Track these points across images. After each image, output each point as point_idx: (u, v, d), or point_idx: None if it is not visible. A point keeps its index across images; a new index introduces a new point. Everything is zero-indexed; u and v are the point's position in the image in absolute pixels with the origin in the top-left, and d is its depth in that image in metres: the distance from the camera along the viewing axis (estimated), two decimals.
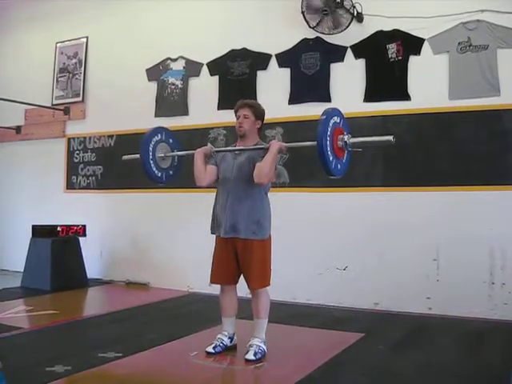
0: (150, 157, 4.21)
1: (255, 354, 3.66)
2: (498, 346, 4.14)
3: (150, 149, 4.21)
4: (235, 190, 3.75)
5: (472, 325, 4.75)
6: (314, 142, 3.46)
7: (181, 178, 5.30)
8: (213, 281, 3.91)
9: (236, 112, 3.89)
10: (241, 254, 3.75)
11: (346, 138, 3.56)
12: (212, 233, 3.90)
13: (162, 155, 4.27)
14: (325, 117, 3.48)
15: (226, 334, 3.89)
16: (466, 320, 4.86)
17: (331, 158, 3.46)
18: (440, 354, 3.87)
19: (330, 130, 3.46)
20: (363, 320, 5.00)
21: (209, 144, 4.08)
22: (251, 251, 3.71)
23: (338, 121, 3.59)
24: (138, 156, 4.25)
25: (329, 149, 3.44)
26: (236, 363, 3.67)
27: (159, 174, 4.29)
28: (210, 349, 3.80)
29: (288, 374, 3.43)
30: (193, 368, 3.56)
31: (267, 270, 3.80)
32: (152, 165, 4.22)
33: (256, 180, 3.62)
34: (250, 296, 3.86)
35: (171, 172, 4.37)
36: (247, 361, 3.63)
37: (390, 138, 3.55)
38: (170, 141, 4.36)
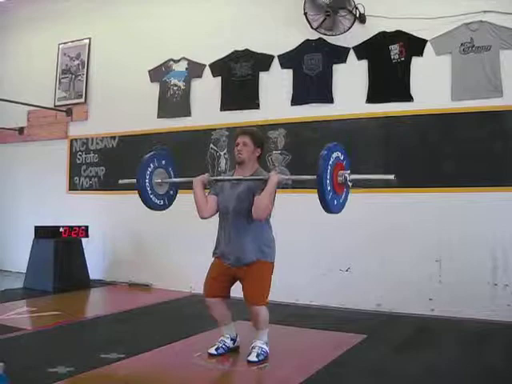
0: (149, 192, 4.10)
1: (258, 356, 3.66)
2: (500, 348, 4.13)
3: (147, 185, 4.08)
4: (236, 223, 3.72)
5: (474, 326, 4.74)
6: (314, 176, 3.40)
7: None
8: (206, 295, 3.86)
9: (235, 140, 3.84)
10: (242, 276, 3.74)
11: (346, 174, 3.49)
12: (214, 256, 3.89)
13: (159, 181, 4.16)
14: (326, 152, 3.42)
15: (228, 336, 3.89)
16: (469, 321, 4.86)
17: (330, 194, 3.41)
18: (442, 356, 3.87)
19: (330, 165, 3.40)
20: (366, 321, 5.00)
21: (206, 174, 3.98)
22: (252, 269, 3.69)
23: (340, 156, 3.53)
24: (134, 181, 4.12)
25: (329, 185, 3.38)
26: (239, 365, 3.67)
27: (161, 203, 4.20)
28: (212, 350, 3.80)
29: (290, 375, 3.43)
30: (196, 369, 3.55)
31: (265, 288, 3.75)
32: (153, 198, 4.13)
33: (254, 216, 3.60)
34: None
35: (172, 192, 4.27)
36: (250, 362, 3.63)
37: (392, 176, 3.51)
38: (163, 162, 4.23)
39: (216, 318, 3.89)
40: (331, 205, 3.45)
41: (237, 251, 3.71)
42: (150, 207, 4.16)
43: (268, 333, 3.81)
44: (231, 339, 3.89)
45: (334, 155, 3.47)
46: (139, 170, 4.09)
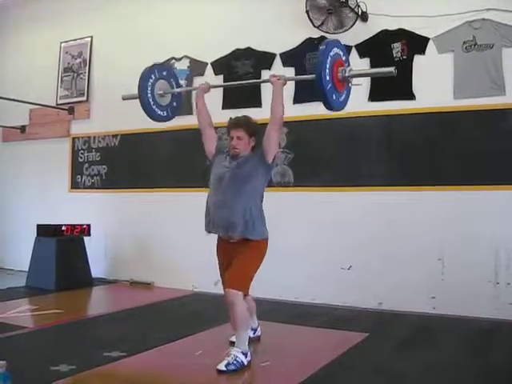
0: (152, 102, 4.19)
1: (227, 365, 3.42)
2: (503, 346, 4.12)
3: (149, 96, 4.17)
4: (229, 187, 3.63)
5: (477, 324, 4.73)
6: (314, 76, 3.47)
7: (186, 177, 5.32)
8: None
9: (229, 131, 3.81)
10: (235, 255, 3.63)
11: (346, 69, 3.53)
12: (207, 231, 3.77)
13: (161, 92, 4.25)
14: (324, 47, 3.46)
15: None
16: (471, 320, 4.85)
17: (331, 91, 3.45)
18: (445, 354, 3.86)
19: (329, 61, 3.43)
20: (367, 319, 5.00)
21: (205, 81, 4.14)
22: (242, 249, 3.59)
23: (340, 52, 3.56)
24: (136, 94, 4.23)
25: (328, 80, 3.41)
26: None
27: (164, 114, 4.31)
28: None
29: (292, 373, 3.42)
30: (197, 367, 3.55)
31: (247, 273, 3.61)
32: (156, 109, 4.23)
33: (273, 118, 3.65)
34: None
35: (175, 104, 4.39)
36: (219, 371, 3.40)
37: (392, 69, 3.53)
38: (165, 73, 4.34)
39: None
40: (334, 103, 3.50)
41: (229, 214, 3.57)
42: (153, 119, 4.26)
43: (249, 342, 3.66)
44: (252, 329, 3.87)
45: (334, 51, 3.50)
46: (140, 81, 4.19)
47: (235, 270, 3.57)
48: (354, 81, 3.70)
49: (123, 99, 4.57)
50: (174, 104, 4.37)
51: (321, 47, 3.48)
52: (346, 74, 3.54)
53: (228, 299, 3.54)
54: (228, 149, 3.85)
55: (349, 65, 3.62)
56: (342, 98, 3.64)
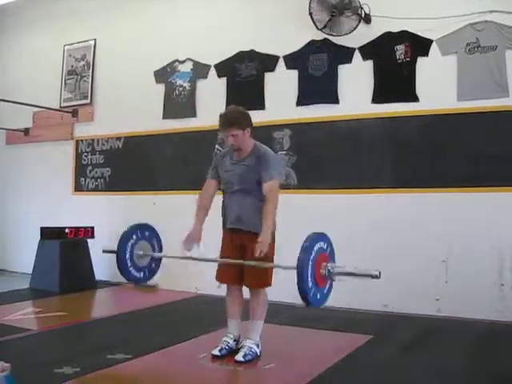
0: (129, 264, 3.95)
1: (245, 356, 3.64)
2: (507, 348, 4.10)
3: (128, 257, 3.94)
4: (239, 193, 3.78)
5: (481, 326, 4.72)
6: (294, 267, 3.27)
7: (189, 180, 5.26)
8: (218, 279, 3.93)
9: (222, 130, 3.85)
10: (247, 252, 3.70)
11: (330, 266, 3.35)
12: (223, 226, 3.95)
13: (141, 253, 4.01)
14: (308, 243, 3.29)
15: (232, 336, 3.86)
16: (475, 322, 4.84)
17: (310, 287, 3.26)
18: (449, 356, 3.85)
19: (312, 256, 3.26)
20: (372, 322, 4.99)
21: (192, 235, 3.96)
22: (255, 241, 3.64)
23: (324, 247, 3.40)
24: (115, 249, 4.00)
25: (309, 277, 3.23)
26: (244, 365, 3.64)
27: (141, 275, 4.05)
28: (215, 352, 3.76)
29: (297, 376, 3.42)
30: (201, 370, 3.55)
31: (269, 269, 3.78)
32: (132, 271, 3.98)
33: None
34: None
35: (153, 265, 4.14)
36: (236, 362, 3.61)
37: (377, 272, 3.36)
38: (147, 234, 4.11)
39: (227, 306, 3.90)
40: (313, 299, 3.29)
41: (238, 210, 3.77)
42: (127, 279, 4.03)
43: (261, 334, 3.79)
44: (234, 340, 3.86)
45: (318, 246, 3.33)
46: (120, 241, 3.95)
47: (255, 270, 3.68)
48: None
49: (103, 252, 4.38)
50: (153, 265, 4.14)
51: (304, 243, 3.30)
52: (332, 271, 3.36)
53: (253, 293, 3.80)
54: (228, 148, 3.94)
55: (333, 260, 3.46)
56: (324, 292, 3.42)
